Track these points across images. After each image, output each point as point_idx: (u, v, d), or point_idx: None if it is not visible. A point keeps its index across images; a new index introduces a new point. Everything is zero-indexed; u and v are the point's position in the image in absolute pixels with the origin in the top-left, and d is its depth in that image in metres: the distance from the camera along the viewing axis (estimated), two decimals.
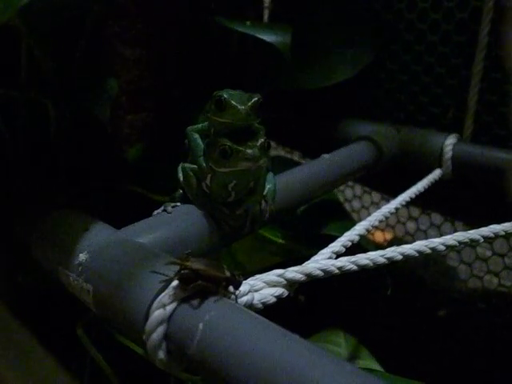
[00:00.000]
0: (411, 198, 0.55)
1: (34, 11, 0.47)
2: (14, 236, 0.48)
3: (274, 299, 0.33)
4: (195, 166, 0.42)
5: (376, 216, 0.48)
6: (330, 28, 0.76)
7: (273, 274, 0.33)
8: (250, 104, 0.38)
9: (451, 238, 0.40)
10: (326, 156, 0.57)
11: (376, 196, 0.88)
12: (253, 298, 0.31)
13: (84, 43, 0.57)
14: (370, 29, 0.76)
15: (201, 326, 0.25)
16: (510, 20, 0.57)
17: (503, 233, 0.43)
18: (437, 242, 0.39)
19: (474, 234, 0.41)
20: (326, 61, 0.74)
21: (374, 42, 0.75)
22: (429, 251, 0.39)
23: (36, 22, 0.49)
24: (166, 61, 0.70)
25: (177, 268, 0.28)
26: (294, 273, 0.34)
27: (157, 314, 0.27)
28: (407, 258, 0.38)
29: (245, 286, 0.31)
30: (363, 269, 0.36)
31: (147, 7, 0.66)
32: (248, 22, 0.66)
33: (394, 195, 0.55)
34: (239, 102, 0.38)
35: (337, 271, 0.35)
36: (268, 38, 0.62)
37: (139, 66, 0.66)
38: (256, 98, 0.38)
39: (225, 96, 0.38)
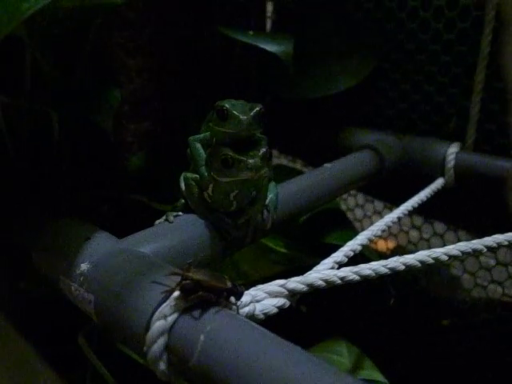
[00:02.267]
0: (414, 207, 0.55)
1: (38, 22, 0.47)
2: (15, 244, 0.48)
3: (275, 310, 0.33)
4: (197, 176, 0.42)
5: (379, 225, 0.48)
6: (331, 38, 0.77)
7: (274, 285, 0.33)
8: (251, 114, 0.38)
9: (454, 248, 0.40)
10: (328, 165, 0.57)
11: (379, 205, 0.88)
12: (254, 309, 0.31)
13: (87, 53, 0.57)
14: (371, 38, 0.76)
15: (202, 337, 0.25)
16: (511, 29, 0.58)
17: (506, 242, 0.42)
18: (439, 252, 0.39)
19: (477, 244, 0.41)
20: (328, 70, 0.74)
21: (375, 52, 0.75)
22: (431, 261, 0.38)
23: (40, 33, 0.49)
24: (168, 70, 0.70)
25: (178, 278, 0.28)
26: (296, 283, 0.34)
27: (158, 324, 0.27)
28: (410, 268, 0.38)
29: (246, 296, 0.31)
30: (366, 279, 0.36)
31: (150, 17, 0.66)
32: (251, 32, 0.67)
33: (397, 204, 0.55)
34: (241, 111, 0.38)
35: (339, 281, 0.35)
36: (270, 47, 0.62)
37: (142, 76, 0.67)
38: (258, 108, 0.38)
39: (227, 106, 0.38)
